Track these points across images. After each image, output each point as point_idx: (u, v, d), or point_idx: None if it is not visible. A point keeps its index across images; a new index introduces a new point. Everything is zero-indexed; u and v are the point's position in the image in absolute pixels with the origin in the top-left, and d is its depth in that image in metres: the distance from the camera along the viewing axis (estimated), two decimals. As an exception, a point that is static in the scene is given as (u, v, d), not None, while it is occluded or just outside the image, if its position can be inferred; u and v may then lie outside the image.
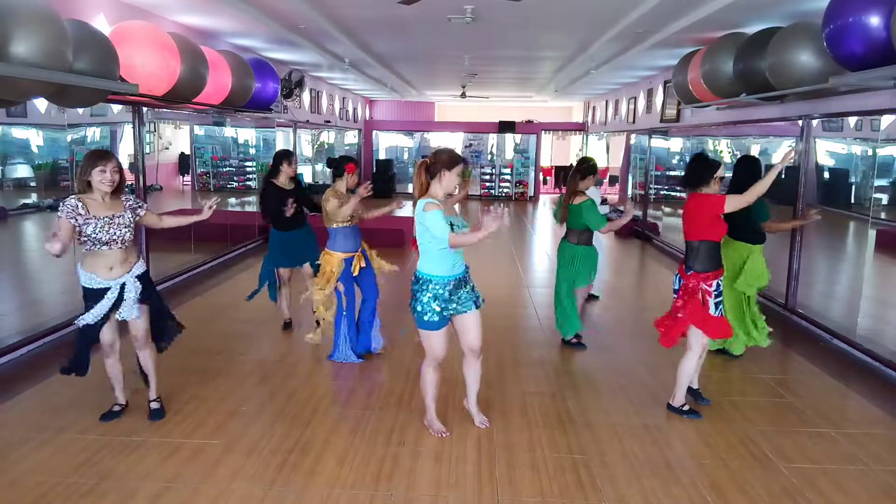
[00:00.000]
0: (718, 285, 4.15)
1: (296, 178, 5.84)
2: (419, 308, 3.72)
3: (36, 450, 3.69)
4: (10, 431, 3.90)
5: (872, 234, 6.26)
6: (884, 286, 6.35)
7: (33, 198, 6.75)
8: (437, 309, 3.69)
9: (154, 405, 4.15)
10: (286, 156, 5.74)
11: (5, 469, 3.48)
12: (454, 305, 3.74)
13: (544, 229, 13.30)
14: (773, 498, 3.35)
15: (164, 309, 4.16)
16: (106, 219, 3.75)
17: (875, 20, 4.27)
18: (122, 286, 3.84)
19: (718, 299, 4.14)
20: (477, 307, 3.84)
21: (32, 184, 6.77)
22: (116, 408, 4.14)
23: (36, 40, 3.93)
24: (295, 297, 6.02)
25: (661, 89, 11.85)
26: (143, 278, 3.96)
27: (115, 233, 3.76)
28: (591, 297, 7.23)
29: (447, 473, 3.52)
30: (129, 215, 3.86)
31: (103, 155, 3.78)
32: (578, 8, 7.52)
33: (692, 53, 8.25)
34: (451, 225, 3.57)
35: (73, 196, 3.76)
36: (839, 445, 3.94)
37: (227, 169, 11.54)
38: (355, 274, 5.07)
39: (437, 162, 3.66)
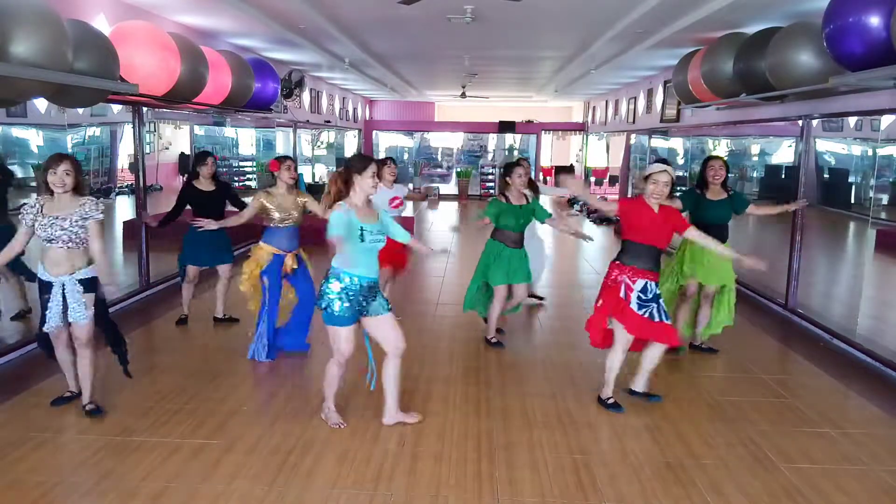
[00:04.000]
0: (647, 286, 4.17)
1: (217, 179, 5.94)
2: (326, 303, 3.78)
3: (36, 450, 3.68)
4: (10, 431, 3.89)
5: (872, 234, 6.26)
6: (884, 286, 6.35)
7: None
8: (347, 305, 3.75)
9: (89, 406, 4.09)
10: (201, 158, 5.87)
11: (5, 469, 3.48)
12: (365, 307, 3.84)
13: (543, 229, 13.27)
14: (773, 498, 3.35)
15: (107, 320, 4.17)
16: (51, 218, 3.84)
17: (875, 20, 4.27)
18: (64, 286, 3.90)
19: (648, 303, 4.16)
20: (388, 310, 3.97)
21: (32, 184, 6.76)
22: (67, 394, 4.25)
23: (36, 40, 3.94)
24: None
25: (661, 89, 11.85)
26: (87, 284, 3.95)
27: (52, 232, 3.83)
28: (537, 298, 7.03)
29: (447, 473, 3.52)
30: (76, 219, 3.87)
31: (56, 159, 3.87)
32: (578, 8, 7.52)
33: (692, 53, 8.25)
34: (362, 230, 3.71)
35: (37, 197, 3.95)
36: (839, 445, 3.94)
37: (227, 169, 11.54)
38: (287, 272, 5.07)
39: (350, 169, 3.78)
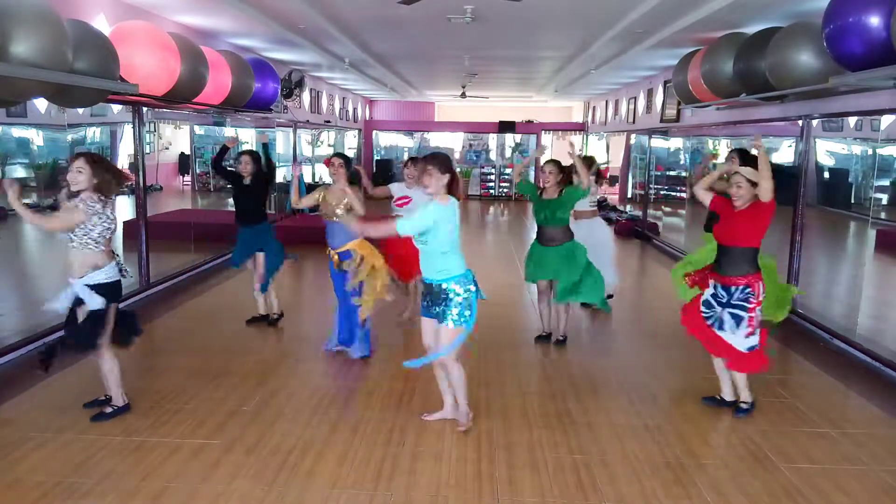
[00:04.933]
0: (715, 288, 4.21)
1: (256, 176, 6.05)
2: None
3: (36, 450, 3.68)
4: (10, 431, 3.90)
5: (872, 234, 6.26)
6: (884, 286, 6.35)
7: (33, 198, 6.74)
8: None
9: (108, 409, 4.13)
10: (237, 159, 6.12)
11: (6, 469, 3.48)
12: (426, 307, 3.98)
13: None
14: (773, 498, 3.35)
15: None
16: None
17: (875, 20, 4.27)
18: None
19: (713, 308, 4.23)
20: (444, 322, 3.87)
21: (33, 184, 6.77)
22: (103, 397, 4.22)
23: (36, 40, 3.94)
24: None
25: (661, 89, 11.85)
26: (96, 288, 3.95)
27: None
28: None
29: (447, 473, 3.52)
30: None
31: (72, 157, 3.87)
32: (578, 8, 7.52)
33: (692, 53, 8.25)
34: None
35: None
36: (839, 445, 3.94)
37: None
38: (336, 268, 5.16)
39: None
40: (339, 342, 5.35)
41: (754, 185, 4.01)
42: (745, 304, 4.07)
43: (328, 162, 5.20)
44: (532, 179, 19.32)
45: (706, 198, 4.29)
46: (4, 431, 3.89)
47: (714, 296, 4.20)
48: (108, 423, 4.01)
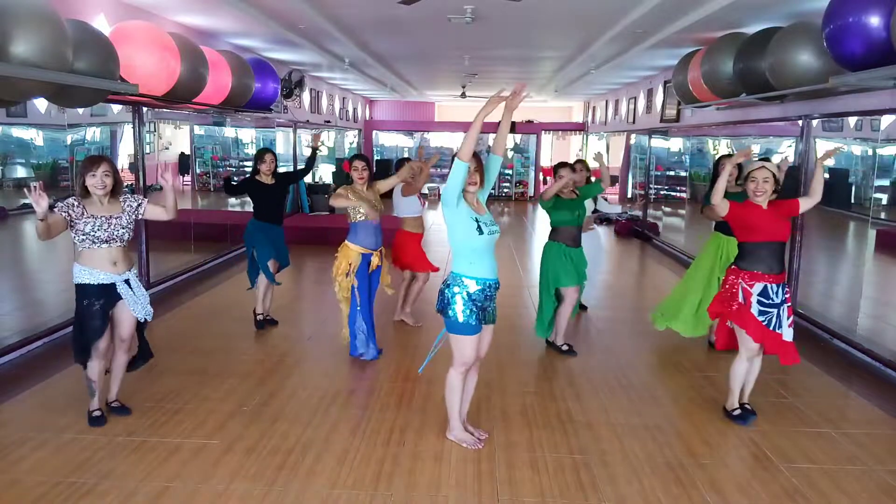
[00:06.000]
0: (766, 289, 4.01)
1: (276, 174, 6.08)
2: (450, 310, 3.58)
3: (36, 450, 3.69)
4: (10, 431, 3.90)
5: (872, 234, 6.26)
6: (884, 286, 6.34)
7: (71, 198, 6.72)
8: (472, 312, 3.55)
9: (115, 404, 4.16)
10: (259, 156, 5.99)
11: (5, 469, 3.48)
12: (490, 313, 3.68)
13: (544, 229, 13.27)
14: (773, 498, 3.35)
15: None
16: (103, 218, 3.84)
17: (875, 20, 4.27)
18: (127, 282, 3.96)
19: (770, 308, 4.01)
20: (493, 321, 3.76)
21: (33, 184, 6.75)
22: (98, 412, 4.04)
23: (36, 40, 3.94)
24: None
25: (661, 89, 11.85)
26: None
27: (114, 232, 3.87)
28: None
29: (447, 473, 3.52)
30: (128, 214, 3.95)
31: (93, 160, 3.83)
32: (578, 8, 7.52)
33: (692, 53, 8.25)
34: (478, 220, 3.56)
35: (74, 197, 3.89)
36: (839, 445, 3.94)
37: (227, 169, 11.53)
38: (372, 270, 5.12)
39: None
40: (352, 350, 5.26)
41: (776, 180, 4.08)
42: (786, 295, 4.10)
43: (348, 165, 5.17)
44: (531, 183, 19.51)
45: (725, 208, 4.13)
46: (4, 431, 3.90)
47: (764, 299, 4.02)
48: (107, 424, 4.01)
